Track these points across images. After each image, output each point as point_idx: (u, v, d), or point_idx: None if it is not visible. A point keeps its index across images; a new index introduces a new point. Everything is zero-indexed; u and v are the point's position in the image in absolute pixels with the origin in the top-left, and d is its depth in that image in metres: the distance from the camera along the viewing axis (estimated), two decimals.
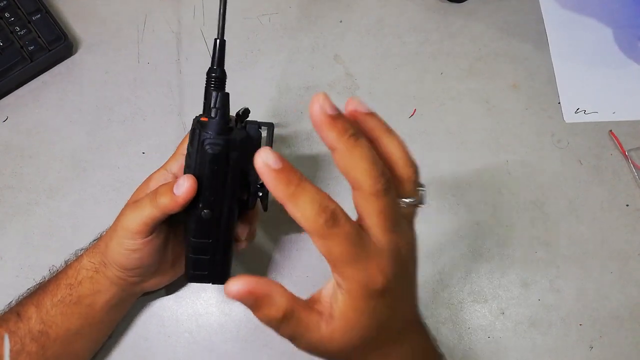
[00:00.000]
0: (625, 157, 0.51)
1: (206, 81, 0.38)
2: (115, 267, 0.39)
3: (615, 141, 0.51)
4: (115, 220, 0.39)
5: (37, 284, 0.42)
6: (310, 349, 0.30)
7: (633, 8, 0.57)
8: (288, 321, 0.29)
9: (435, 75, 0.54)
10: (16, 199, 0.50)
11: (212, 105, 0.37)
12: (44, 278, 0.42)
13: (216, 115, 0.36)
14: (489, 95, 0.53)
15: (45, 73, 0.54)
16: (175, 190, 0.36)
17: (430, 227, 0.49)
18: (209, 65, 0.38)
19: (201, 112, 0.38)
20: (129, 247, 0.38)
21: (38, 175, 0.51)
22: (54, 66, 0.54)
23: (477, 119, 0.53)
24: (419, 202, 0.31)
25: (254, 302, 0.28)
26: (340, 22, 0.57)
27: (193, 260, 0.39)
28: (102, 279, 0.39)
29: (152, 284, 0.43)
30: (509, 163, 0.51)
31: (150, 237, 0.38)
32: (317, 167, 0.51)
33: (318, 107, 0.29)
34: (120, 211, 0.40)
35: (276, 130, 0.49)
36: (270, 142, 0.40)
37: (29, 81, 0.54)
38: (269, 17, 0.57)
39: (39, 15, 0.53)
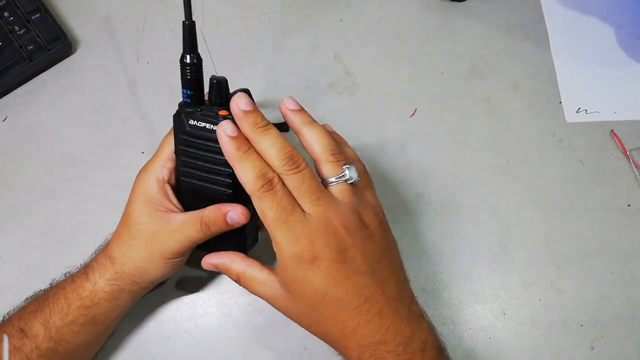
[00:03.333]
0: (627, 156, 0.50)
1: (182, 70, 0.37)
2: (149, 283, 0.40)
3: (617, 141, 0.51)
4: (149, 243, 0.38)
5: (37, 295, 0.40)
6: (267, 300, 0.37)
7: (635, 7, 0.57)
8: (241, 280, 0.37)
9: (435, 74, 0.54)
10: (15, 199, 0.50)
11: (226, 93, 0.37)
12: (44, 290, 0.41)
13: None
14: (490, 95, 0.53)
15: (45, 72, 0.54)
16: (230, 221, 0.37)
17: (430, 227, 0.48)
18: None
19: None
20: (168, 265, 0.39)
21: (37, 175, 0.50)
22: (53, 66, 0.54)
23: (477, 119, 0.52)
24: (344, 178, 0.36)
25: (220, 271, 0.39)
26: (341, 21, 0.56)
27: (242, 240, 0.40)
28: (127, 295, 0.39)
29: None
30: (509, 163, 0.51)
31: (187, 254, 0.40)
32: None
33: (234, 104, 0.35)
34: (147, 232, 0.38)
35: None
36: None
37: (28, 81, 0.54)
38: (268, 16, 0.57)
39: (38, 15, 0.53)
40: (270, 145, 0.35)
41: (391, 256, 0.37)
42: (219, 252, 0.39)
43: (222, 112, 0.36)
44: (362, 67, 0.54)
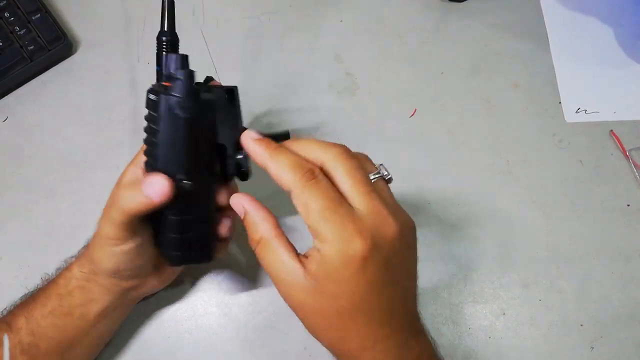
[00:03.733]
0: (626, 156, 0.50)
1: (158, 47, 0.36)
2: (106, 274, 0.37)
3: (616, 141, 0.51)
4: (96, 228, 0.37)
5: (29, 292, 0.40)
6: (277, 284, 0.31)
7: (635, 7, 0.57)
8: (260, 246, 0.31)
9: (435, 74, 0.54)
10: (15, 199, 0.50)
11: (175, 67, 0.33)
12: (37, 286, 0.41)
13: (181, 76, 0.33)
14: (490, 95, 0.53)
15: (45, 73, 0.54)
16: (145, 191, 0.33)
17: (430, 226, 0.48)
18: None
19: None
20: (113, 253, 0.36)
21: (38, 175, 0.50)
22: (53, 66, 0.54)
23: (477, 119, 0.52)
24: (381, 175, 0.32)
25: (244, 222, 0.33)
26: (341, 21, 0.56)
27: (177, 240, 0.36)
28: (95, 287, 0.38)
29: (149, 287, 0.41)
30: (509, 163, 0.51)
31: (132, 239, 0.35)
32: None
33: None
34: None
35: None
36: (237, 106, 0.37)
37: (29, 81, 0.54)
38: (269, 16, 0.57)
39: (38, 15, 0.53)
40: (314, 142, 0.32)
41: (415, 268, 0.34)
42: (258, 203, 0.33)
43: (165, 84, 0.33)
44: (362, 67, 0.54)
